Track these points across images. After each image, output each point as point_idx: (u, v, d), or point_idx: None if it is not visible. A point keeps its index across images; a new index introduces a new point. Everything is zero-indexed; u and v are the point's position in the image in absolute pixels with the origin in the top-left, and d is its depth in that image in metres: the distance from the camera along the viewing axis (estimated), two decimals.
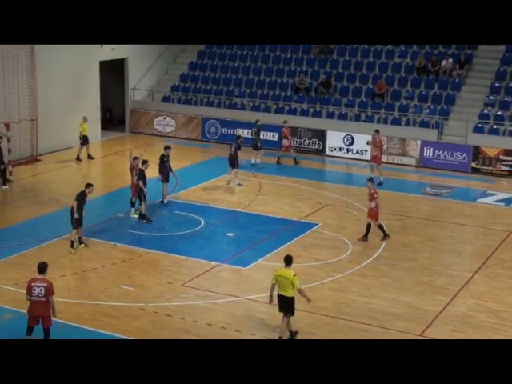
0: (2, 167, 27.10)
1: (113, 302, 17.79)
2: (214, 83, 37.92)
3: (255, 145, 31.12)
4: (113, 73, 37.27)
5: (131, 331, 16.22)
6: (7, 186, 27.21)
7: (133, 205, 23.78)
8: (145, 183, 23.36)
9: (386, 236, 22.31)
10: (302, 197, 26.67)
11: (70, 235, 21.09)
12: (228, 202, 25.99)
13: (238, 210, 25.01)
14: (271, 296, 15.80)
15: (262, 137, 32.50)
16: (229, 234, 22.72)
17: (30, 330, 14.85)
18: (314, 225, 23.52)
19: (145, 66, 38.46)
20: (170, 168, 25.28)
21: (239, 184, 27.59)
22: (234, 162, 27.50)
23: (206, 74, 38.48)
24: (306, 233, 22.88)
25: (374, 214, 22.21)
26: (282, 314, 15.82)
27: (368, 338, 15.80)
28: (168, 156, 25.34)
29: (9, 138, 28.53)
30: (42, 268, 14.91)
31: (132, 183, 23.64)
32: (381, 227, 22.32)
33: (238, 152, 27.77)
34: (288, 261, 15.80)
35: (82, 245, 21.07)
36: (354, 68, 36.16)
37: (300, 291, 15.62)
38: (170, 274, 19.52)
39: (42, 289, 14.61)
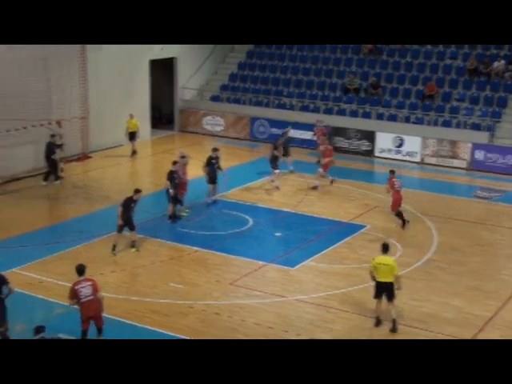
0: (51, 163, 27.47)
1: (162, 299, 17.91)
2: (262, 83, 37.96)
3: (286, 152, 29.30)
4: (163, 72, 37.54)
5: (180, 329, 16.32)
6: (59, 182, 27.62)
7: (181, 203, 23.91)
8: (174, 185, 23.17)
9: (405, 222, 23.23)
10: (351, 198, 26.55)
11: (113, 237, 21.13)
12: (276, 201, 25.99)
13: (286, 210, 24.99)
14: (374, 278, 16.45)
15: (310, 137, 32.40)
16: (277, 234, 22.71)
17: (85, 333, 14.93)
18: (363, 226, 23.39)
19: (194, 65, 38.66)
20: (220, 168, 25.29)
21: (277, 187, 27.35)
22: (273, 163, 27.43)
23: (255, 74, 38.54)
24: (355, 234, 22.77)
25: (394, 201, 23.12)
26: (376, 300, 16.54)
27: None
28: (217, 158, 25.30)
29: (61, 136, 28.94)
30: (82, 270, 15.16)
31: (180, 182, 23.74)
32: (400, 215, 23.23)
33: (275, 152, 27.55)
34: (386, 248, 16.54)
35: (134, 249, 21.07)
36: (404, 69, 35.87)
37: (398, 277, 16.35)
38: (219, 273, 19.59)
39: (89, 287, 14.84)
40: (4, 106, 27.23)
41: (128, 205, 20.80)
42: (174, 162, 23.63)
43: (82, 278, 15.01)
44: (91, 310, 14.86)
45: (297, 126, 34.06)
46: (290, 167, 29.39)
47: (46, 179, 27.33)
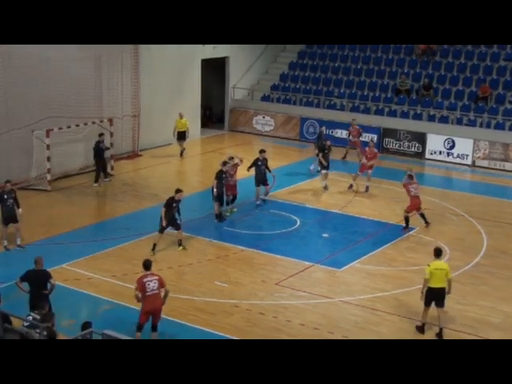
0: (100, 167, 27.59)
1: (207, 297, 17.97)
2: (313, 83, 37.85)
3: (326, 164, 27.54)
4: (214, 71, 37.70)
5: (224, 328, 16.35)
6: (109, 179, 27.94)
7: (227, 203, 23.97)
8: (221, 184, 23.17)
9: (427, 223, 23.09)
10: (399, 200, 26.26)
11: (155, 237, 21.15)
12: (324, 202, 25.88)
13: (334, 211, 24.87)
14: (423, 292, 16.16)
15: (361, 138, 32.18)
16: (324, 235, 22.61)
17: (141, 327, 15.13)
18: (411, 229, 23.14)
19: (245, 65, 38.74)
20: (268, 169, 25.19)
21: (325, 187, 27.21)
22: (320, 164, 27.35)
23: (306, 74, 38.45)
24: (403, 236, 22.55)
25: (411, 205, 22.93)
26: (425, 307, 16.23)
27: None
28: (264, 159, 25.09)
29: (112, 133, 29.26)
30: (149, 264, 15.34)
31: (227, 184, 23.76)
32: (406, 219, 22.91)
33: (319, 152, 27.55)
34: (440, 253, 16.35)
35: (181, 247, 21.15)
36: (457, 70, 35.42)
37: (450, 281, 16.19)
38: (265, 273, 19.58)
39: (156, 281, 15.04)
40: (57, 103, 27.63)
41: (170, 205, 20.88)
42: (224, 163, 23.64)
43: (148, 272, 15.19)
44: (155, 304, 15.04)
45: (347, 126, 33.90)
46: (310, 167, 29.18)
47: (96, 181, 27.42)
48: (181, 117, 32.10)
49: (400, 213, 24.55)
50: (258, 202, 25.06)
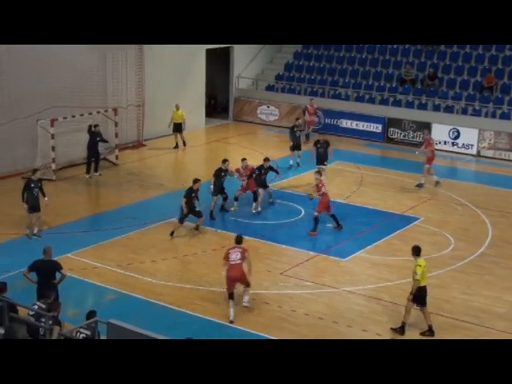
0: (93, 159, 27.19)
1: (212, 287, 18.00)
2: (318, 73, 37.78)
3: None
4: (218, 61, 37.63)
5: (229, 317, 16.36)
6: (98, 173, 27.39)
7: (235, 198, 23.86)
8: (219, 181, 23.02)
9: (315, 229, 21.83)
10: (405, 190, 26.27)
11: (174, 225, 21.42)
12: (328, 192, 25.74)
13: (339, 200, 24.84)
14: (412, 293, 15.69)
15: (365, 128, 32.18)
16: (328, 225, 22.60)
17: (230, 295, 16.43)
18: (416, 219, 23.15)
19: (250, 54, 38.66)
20: (277, 172, 25.08)
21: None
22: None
23: (311, 64, 38.38)
24: (408, 227, 22.55)
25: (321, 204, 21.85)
26: (416, 306, 15.87)
27: (468, 337, 15.49)
28: (267, 169, 23.99)
29: (116, 123, 29.25)
30: (240, 240, 16.97)
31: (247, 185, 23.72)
32: (316, 220, 21.85)
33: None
34: (419, 251, 15.80)
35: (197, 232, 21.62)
36: (462, 60, 35.31)
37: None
38: (270, 263, 19.60)
39: (238, 253, 16.52)
40: (61, 93, 27.64)
41: (189, 195, 21.25)
42: (224, 161, 23.26)
43: (237, 245, 16.80)
44: (235, 273, 16.44)
45: (352, 116, 33.90)
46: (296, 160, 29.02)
47: (96, 170, 27.22)
48: (177, 108, 31.72)
49: (406, 203, 24.61)
50: (254, 212, 23.74)
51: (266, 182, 24.16)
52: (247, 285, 16.75)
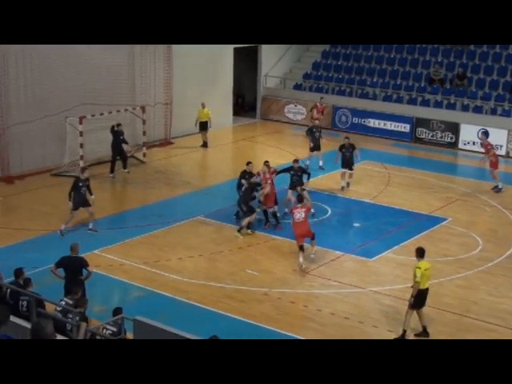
0: (118, 157, 27.27)
1: (238, 285, 18.01)
2: (346, 72, 37.67)
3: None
4: (246, 59, 37.65)
5: (254, 315, 16.39)
6: (127, 171, 27.51)
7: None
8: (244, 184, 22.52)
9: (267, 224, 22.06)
10: (432, 190, 26.12)
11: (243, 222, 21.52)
12: (355, 192, 25.76)
13: (366, 200, 24.77)
14: (414, 296, 15.40)
15: (393, 128, 32.00)
16: (355, 225, 22.53)
17: (301, 248, 19.00)
18: (444, 219, 22.99)
19: (278, 53, 38.61)
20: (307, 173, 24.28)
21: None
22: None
23: (339, 63, 38.27)
24: (435, 227, 22.39)
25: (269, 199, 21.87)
26: (416, 310, 15.56)
27: (494, 339, 15.35)
28: (297, 170, 23.19)
29: (144, 121, 29.37)
30: (301, 199, 19.95)
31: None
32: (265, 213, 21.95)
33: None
34: (423, 253, 15.53)
35: (249, 230, 21.52)
36: (491, 60, 35.02)
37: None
38: (296, 262, 19.54)
39: (302, 213, 19.15)
40: (90, 90, 27.82)
41: (250, 192, 21.71)
42: (248, 163, 22.80)
43: (299, 205, 19.64)
44: (300, 230, 19.13)
45: (380, 116, 33.75)
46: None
47: (124, 167, 27.35)
48: (203, 106, 31.79)
49: (434, 203, 24.45)
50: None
51: (297, 184, 22.59)
52: (312, 237, 19.40)
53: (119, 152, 27.10)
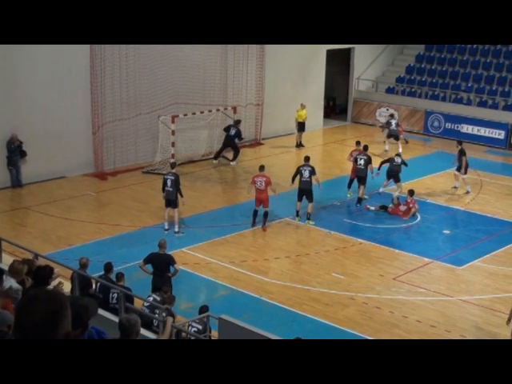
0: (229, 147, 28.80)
1: (323, 288, 17.94)
2: (440, 76, 37.04)
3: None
4: (339, 62, 37.48)
5: (339, 319, 16.30)
6: (235, 162, 28.89)
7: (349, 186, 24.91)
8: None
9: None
10: None
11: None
12: (446, 198, 25.29)
13: (457, 207, 24.29)
14: None
15: (487, 134, 31.29)
16: (445, 232, 22.13)
17: (254, 212, 21.33)
18: None
19: (371, 56, 38.29)
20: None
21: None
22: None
23: (433, 67, 37.65)
24: None
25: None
26: None
27: None
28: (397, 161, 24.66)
29: (239, 121, 29.62)
30: (262, 168, 21.83)
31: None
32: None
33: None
34: None
35: (308, 220, 22.30)
36: None
37: None
38: (382, 267, 19.35)
39: (263, 182, 21.18)
40: (183, 90, 28.23)
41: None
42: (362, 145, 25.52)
43: (260, 173, 21.77)
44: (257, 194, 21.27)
45: (474, 121, 33.05)
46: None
47: (234, 159, 28.89)
48: (303, 107, 31.99)
49: None
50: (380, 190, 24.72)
51: (396, 175, 24.46)
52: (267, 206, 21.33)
53: (232, 144, 28.74)
